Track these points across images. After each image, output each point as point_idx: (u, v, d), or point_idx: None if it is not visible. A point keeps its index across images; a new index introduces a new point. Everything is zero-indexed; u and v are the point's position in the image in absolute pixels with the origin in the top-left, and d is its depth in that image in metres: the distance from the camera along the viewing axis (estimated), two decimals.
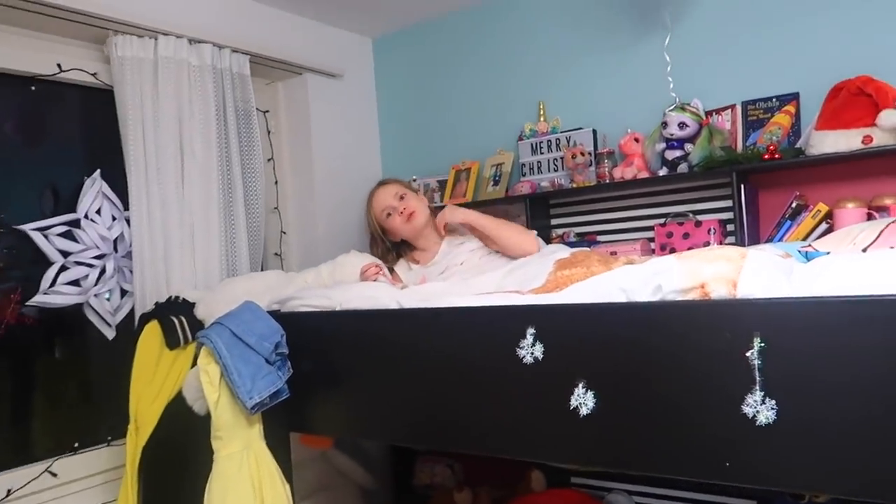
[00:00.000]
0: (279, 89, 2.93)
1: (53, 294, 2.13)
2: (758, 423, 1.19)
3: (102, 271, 2.24)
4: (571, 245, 2.39)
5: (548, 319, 1.44)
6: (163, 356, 2.07)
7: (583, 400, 1.38)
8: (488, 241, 2.14)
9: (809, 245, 1.71)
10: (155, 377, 2.06)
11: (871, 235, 1.58)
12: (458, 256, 2.12)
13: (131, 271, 2.26)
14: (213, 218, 2.35)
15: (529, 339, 1.44)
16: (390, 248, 2.28)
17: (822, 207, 2.05)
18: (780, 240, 2.09)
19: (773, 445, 1.18)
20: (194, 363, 1.97)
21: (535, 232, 2.18)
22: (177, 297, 2.16)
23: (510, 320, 1.48)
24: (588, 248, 2.06)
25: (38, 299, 2.11)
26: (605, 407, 1.35)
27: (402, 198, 2.25)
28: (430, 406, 1.63)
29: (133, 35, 2.22)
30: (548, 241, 2.53)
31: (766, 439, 1.18)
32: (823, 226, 2.05)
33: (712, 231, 2.25)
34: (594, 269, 1.62)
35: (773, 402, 1.17)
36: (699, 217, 2.34)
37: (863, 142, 1.93)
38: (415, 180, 2.95)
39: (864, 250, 1.53)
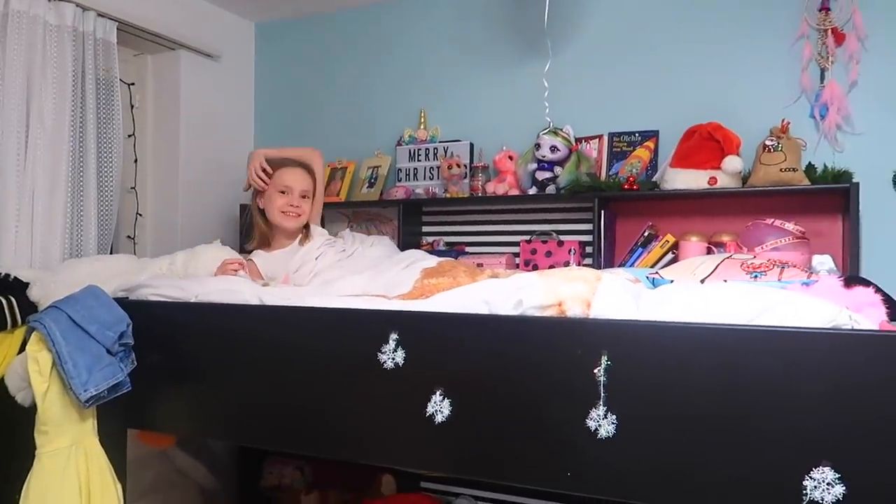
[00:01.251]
0: (148, 62, 2.75)
1: None
2: (599, 436, 1.26)
3: None
4: (440, 254, 2.42)
5: (411, 326, 1.44)
6: None
7: (439, 407, 1.39)
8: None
9: (656, 272, 1.84)
10: None
11: (709, 268, 1.73)
12: (311, 251, 2.05)
13: None
14: (60, 191, 2.15)
15: (392, 343, 1.44)
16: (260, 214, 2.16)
17: (670, 238, 2.22)
18: (632, 265, 2.24)
19: (612, 458, 1.25)
20: (21, 349, 1.80)
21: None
22: (7, 275, 1.96)
23: (374, 324, 1.47)
24: (454, 259, 2.09)
25: None
26: (460, 415, 1.38)
27: (304, 197, 2.12)
28: (285, 407, 1.59)
29: None
30: (418, 247, 2.55)
31: (606, 452, 1.25)
32: (670, 255, 2.22)
33: (573, 251, 2.36)
34: (460, 280, 1.65)
35: (614, 416, 1.25)
36: (562, 237, 2.46)
37: (709, 182, 2.12)
38: None
39: (702, 281, 1.67)
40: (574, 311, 1.32)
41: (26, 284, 1.94)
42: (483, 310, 1.42)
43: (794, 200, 2.15)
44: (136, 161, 2.68)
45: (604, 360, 1.26)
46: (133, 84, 2.68)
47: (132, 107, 2.66)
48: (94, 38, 2.28)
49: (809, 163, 2.13)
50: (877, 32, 2.13)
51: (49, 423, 1.64)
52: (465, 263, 1.92)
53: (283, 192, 2.10)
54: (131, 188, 2.66)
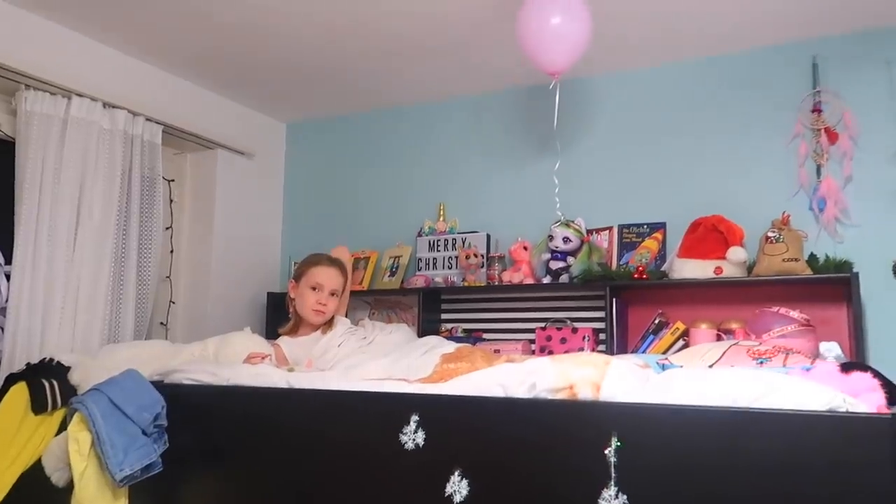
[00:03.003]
0: (187, 160, 2.96)
1: None
2: None
3: None
4: (458, 340, 2.51)
5: (431, 408, 1.52)
6: (25, 421, 1.96)
7: (457, 488, 1.45)
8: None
9: (666, 358, 1.92)
10: (14, 442, 1.93)
11: (717, 355, 1.81)
12: (334, 339, 2.16)
13: (2, 328, 2.15)
14: (102, 282, 2.30)
15: (413, 425, 1.52)
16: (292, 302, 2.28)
17: (680, 326, 2.30)
18: (644, 351, 2.32)
19: None
20: (59, 431, 1.89)
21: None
22: (51, 360, 2.07)
23: (396, 406, 1.55)
24: (472, 345, 2.18)
25: None
26: (478, 495, 1.43)
27: (333, 294, 2.25)
28: (311, 488, 1.65)
29: (46, 91, 2.22)
30: (437, 333, 2.63)
31: None
32: (681, 342, 2.29)
33: (586, 338, 2.45)
34: (477, 365, 1.74)
35: (625, 497, 1.30)
36: (576, 324, 2.54)
37: (714, 272, 2.22)
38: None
39: (711, 367, 1.75)
40: (584, 393, 1.40)
41: (67, 368, 2.05)
42: (499, 393, 1.50)
43: (798, 289, 2.24)
44: (171, 251, 2.84)
45: (613, 441, 1.33)
46: (173, 180, 2.89)
47: (171, 201, 2.85)
48: (141, 140, 2.49)
49: (812, 253, 2.23)
50: (868, 130, 2.27)
51: (84, 501, 1.71)
52: (482, 349, 2.01)
53: (314, 289, 2.22)
54: (166, 277, 2.81)
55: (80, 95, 2.28)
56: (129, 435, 1.72)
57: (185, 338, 2.65)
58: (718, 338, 2.22)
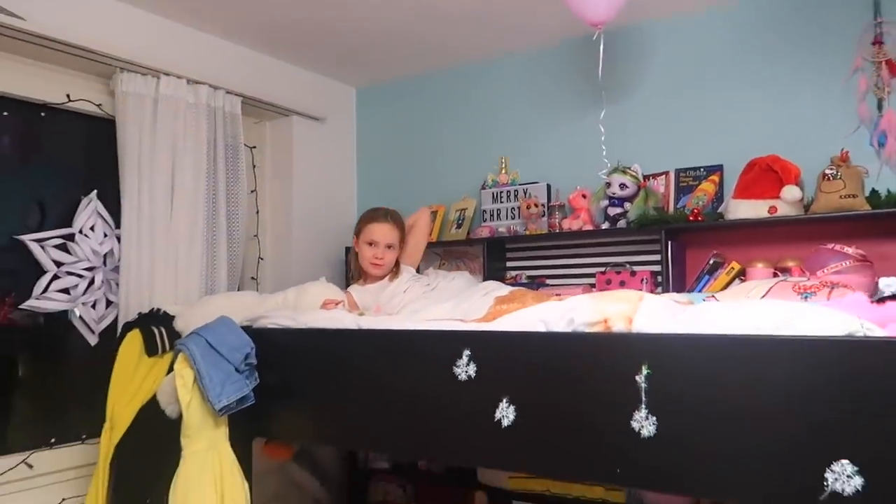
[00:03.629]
0: (266, 128, 3.20)
1: (45, 300, 2.34)
2: (642, 435, 1.44)
3: (91, 282, 2.45)
4: (522, 286, 2.65)
5: (481, 343, 1.68)
6: (141, 363, 2.27)
7: (505, 413, 1.62)
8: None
9: (713, 296, 1.99)
10: (132, 381, 2.25)
11: (762, 290, 1.86)
12: (401, 285, 2.36)
13: (117, 284, 2.47)
14: (197, 241, 2.58)
15: (465, 359, 1.68)
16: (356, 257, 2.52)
17: (736, 265, 2.35)
18: (700, 291, 2.37)
19: (654, 455, 1.43)
20: (169, 371, 2.18)
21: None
22: (158, 310, 2.37)
23: (450, 342, 1.72)
24: (524, 288, 2.31)
25: (31, 304, 2.31)
26: (523, 420, 1.59)
27: (389, 247, 2.44)
28: (378, 416, 1.86)
29: (137, 73, 2.48)
30: (502, 281, 2.77)
31: (649, 449, 1.43)
32: (737, 281, 2.33)
33: (644, 281, 2.53)
34: (527, 305, 1.88)
35: (655, 418, 1.43)
36: (634, 267, 2.62)
37: (769, 211, 2.24)
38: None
39: None
40: (618, 326, 1.52)
41: (172, 317, 2.34)
42: (541, 328, 1.64)
43: (856, 226, 2.22)
44: (257, 212, 3.11)
45: (644, 368, 1.45)
46: (254, 147, 3.13)
47: (254, 167, 3.10)
48: (223, 112, 2.73)
49: (873, 189, 2.20)
50: None
51: (191, 428, 2.00)
52: (534, 292, 2.14)
53: (370, 244, 2.43)
54: (254, 236, 3.08)
55: (167, 74, 2.52)
56: (225, 372, 1.98)
57: (273, 290, 2.89)
58: (774, 276, 2.25)
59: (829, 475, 1.25)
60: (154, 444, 2.15)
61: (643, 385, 1.44)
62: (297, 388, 2.03)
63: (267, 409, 2.05)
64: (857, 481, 1.23)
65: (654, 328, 1.49)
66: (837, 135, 2.32)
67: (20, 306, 2.30)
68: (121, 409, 2.23)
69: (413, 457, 2.36)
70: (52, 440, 2.37)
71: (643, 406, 1.44)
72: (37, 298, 2.33)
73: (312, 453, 2.92)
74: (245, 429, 2.10)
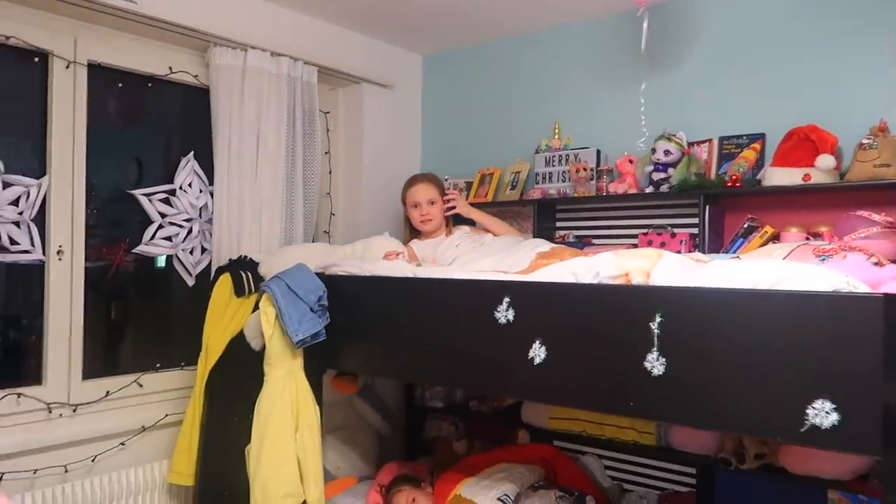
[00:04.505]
0: (339, 94, 3.47)
1: (152, 246, 2.73)
2: (653, 374, 1.66)
3: (189, 231, 2.83)
4: (570, 245, 2.86)
5: (519, 292, 1.93)
6: (231, 302, 2.63)
7: (538, 352, 1.86)
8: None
9: (737, 256, 2.17)
10: (223, 317, 2.62)
11: (784, 253, 2.02)
12: (454, 240, 2.64)
13: (211, 234, 2.83)
14: (278, 197, 2.90)
15: (505, 305, 1.93)
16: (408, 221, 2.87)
17: (769, 229, 2.48)
18: (735, 252, 2.53)
19: (662, 390, 1.65)
20: (254, 310, 2.53)
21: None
22: (245, 257, 2.73)
23: (492, 290, 1.97)
24: (563, 245, 2.52)
25: (141, 248, 2.71)
26: (553, 358, 1.84)
27: (431, 203, 2.77)
28: (430, 353, 2.15)
29: (228, 47, 2.79)
30: (552, 240, 2.99)
31: (658, 386, 1.65)
32: (769, 245, 2.47)
33: (683, 242, 2.69)
34: (564, 259, 2.10)
35: (664, 359, 1.65)
36: (675, 230, 2.79)
37: (803, 179, 2.36)
38: (446, 180, 3.45)
39: None
40: (637, 279, 1.74)
41: (256, 263, 2.68)
42: (571, 279, 1.87)
43: (888, 194, 2.31)
44: (330, 172, 3.41)
45: (657, 316, 1.66)
46: (328, 112, 3.42)
47: (328, 130, 3.39)
48: (301, 81, 3.02)
49: None
50: None
51: (273, 357, 2.34)
52: (572, 249, 2.36)
53: (415, 206, 2.77)
54: (327, 193, 3.38)
55: (253, 48, 2.82)
56: (301, 311, 2.30)
57: (344, 243, 3.18)
58: (806, 240, 2.38)
59: (810, 411, 1.45)
60: (241, 370, 2.52)
61: (656, 331, 1.66)
62: (362, 328, 2.34)
63: (336, 345, 2.37)
64: (834, 417, 1.43)
65: (668, 282, 1.70)
66: (878, 106, 2.40)
67: (133, 250, 2.70)
68: (214, 340, 2.61)
69: (458, 387, 2.74)
70: (158, 365, 2.78)
71: (655, 349, 1.66)
72: (145, 244, 2.72)
73: (375, 390, 3.26)
74: (317, 361, 2.43)
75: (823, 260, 1.91)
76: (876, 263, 1.67)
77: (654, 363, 1.66)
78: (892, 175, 2.25)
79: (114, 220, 2.71)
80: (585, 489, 2.62)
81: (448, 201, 2.77)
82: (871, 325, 1.40)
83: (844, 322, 1.44)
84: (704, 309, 1.62)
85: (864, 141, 2.32)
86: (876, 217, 2.20)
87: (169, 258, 2.81)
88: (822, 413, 1.44)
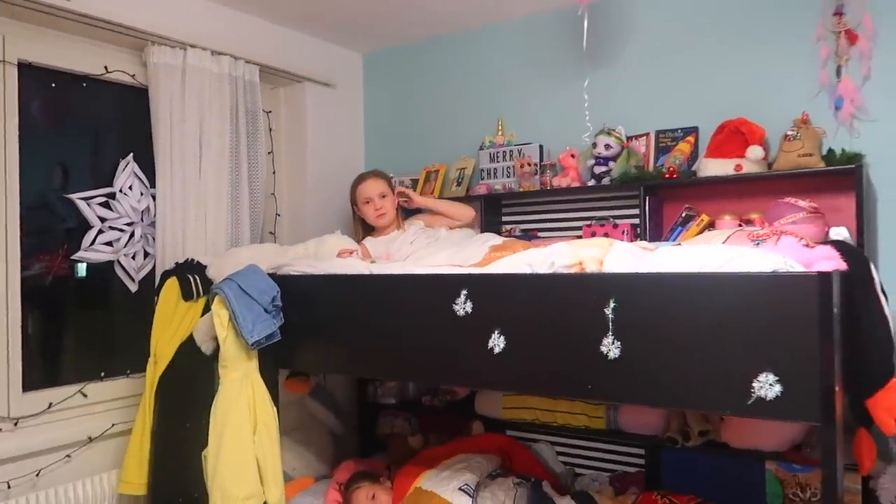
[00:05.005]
0: (281, 94, 3.44)
1: (92, 251, 2.64)
2: (609, 357, 1.74)
3: (131, 235, 2.75)
4: (518, 238, 2.93)
5: (476, 284, 1.98)
6: (178, 306, 2.57)
7: (497, 342, 1.91)
8: (441, 218, 2.78)
9: (679, 243, 2.28)
10: (171, 322, 2.56)
11: (722, 238, 2.14)
12: (408, 237, 2.67)
13: (154, 238, 2.76)
14: (223, 198, 2.86)
15: (462, 297, 1.98)
16: (360, 220, 2.88)
17: (705, 218, 2.62)
18: (674, 240, 2.65)
19: (618, 373, 1.73)
20: (204, 312, 2.49)
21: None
22: (192, 260, 2.67)
23: (450, 284, 2.01)
24: (514, 238, 2.59)
25: (81, 254, 2.62)
26: (512, 347, 1.89)
27: (382, 196, 2.78)
28: (387, 348, 2.16)
29: (166, 46, 2.72)
30: (498, 234, 3.06)
31: (614, 369, 1.73)
32: (707, 232, 2.61)
33: (625, 232, 2.80)
34: (517, 252, 2.16)
35: (619, 343, 1.72)
36: (617, 221, 2.90)
37: (735, 169, 2.50)
38: (392, 177, 3.46)
39: None
40: (591, 268, 1.81)
41: (204, 266, 2.63)
42: (527, 270, 1.93)
43: (812, 182, 2.48)
44: (273, 172, 3.37)
45: (611, 302, 1.74)
46: (270, 112, 3.38)
47: (270, 130, 3.35)
48: (243, 80, 2.98)
49: (830, 148, 2.45)
50: (886, 31, 2.42)
51: (227, 360, 2.31)
52: (524, 242, 2.43)
53: (367, 203, 2.80)
54: (271, 194, 3.35)
55: (192, 47, 2.77)
56: (255, 312, 2.27)
57: (290, 244, 3.19)
58: (739, 227, 2.52)
59: (755, 384, 1.56)
60: (192, 375, 2.47)
61: (610, 316, 1.74)
62: (318, 327, 2.33)
63: (292, 344, 2.36)
64: (777, 388, 1.53)
65: (620, 269, 1.78)
66: (801, 99, 2.57)
67: (72, 257, 2.60)
68: (163, 346, 2.54)
69: (419, 381, 2.77)
70: (102, 374, 2.70)
71: (610, 333, 1.74)
72: (85, 250, 2.63)
73: (326, 390, 3.26)
74: (272, 361, 2.41)
75: (758, 244, 2.03)
76: (806, 245, 1.80)
77: (610, 347, 1.74)
78: (815, 164, 2.42)
79: (50, 226, 2.60)
80: (540, 475, 2.70)
81: (401, 195, 2.82)
82: (807, 302, 1.52)
83: (783, 300, 1.55)
84: (655, 293, 1.71)
85: (789, 132, 2.47)
86: (802, 203, 2.35)
87: (100, 265, 2.72)
88: (767, 385, 1.55)
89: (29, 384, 2.46)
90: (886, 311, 1.92)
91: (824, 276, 1.51)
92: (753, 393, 1.56)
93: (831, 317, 1.48)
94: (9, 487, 2.32)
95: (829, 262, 1.73)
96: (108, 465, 2.59)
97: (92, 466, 2.55)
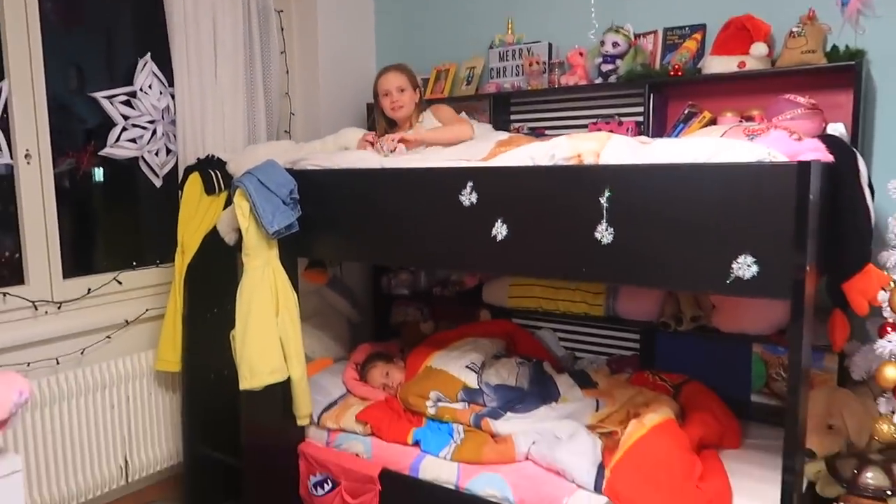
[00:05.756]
0: None
1: (118, 148, 2.77)
2: (602, 243, 1.88)
3: (153, 133, 2.87)
4: (527, 136, 3.01)
5: (481, 176, 2.10)
6: (202, 200, 2.74)
7: (500, 230, 2.06)
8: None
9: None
10: (196, 215, 2.73)
11: (719, 134, 2.23)
12: (421, 131, 2.75)
13: (174, 135, 2.88)
14: (239, 97, 2.95)
15: (468, 189, 2.11)
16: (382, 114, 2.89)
17: (707, 114, 2.68)
18: (676, 137, 2.73)
19: (610, 257, 1.87)
20: (226, 206, 2.64)
21: (466, 118, 2.79)
22: (212, 156, 2.80)
23: (457, 176, 2.14)
24: (520, 134, 2.67)
25: (107, 151, 2.75)
26: (514, 234, 2.04)
27: (402, 90, 2.81)
28: (399, 237, 2.32)
29: None
30: (507, 132, 3.13)
31: (606, 253, 1.87)
32: (707, 128, 2.68)
33: (629, 130, 2.88)
34: (521, 146, 2.27)
35: (612, 229, 1.86)
36: (622, 118, 2.97)
37: (738, 66, 2.55)
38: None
39: None
40: (588, 160, 1.93)
41: (224, 162, 2.77)
42: (529, 163, 2.04)
43: (814, 79, 2.52)
44: (287, 72, 3.43)
45: (606, 191, 1.86)
46: (281, 11, 3.39)
47: (282, 29, 3.38)
48: None
49: (834, 45, 2.48)
50: None
51: (250, 249, 2.47)
52: (529, 137, 2.52)
53: (385, 95, 2.80)
54: (285, 94, 3.43)
55: None
56: (274, 204, 2.42)
57: (306, 141, 3.29)
58: (740, 122, 2.59)
59: (734, 265, 1.70)
60: (217, 265, 2.66)
61: (605, 205, 1.87)
62: (332, 218, 2.48)
63: (309, 235, 2.51)
64: (754, 269, 1.68)
65: (616, 160, 1.89)
66: None
67: (99, 153, 2.74)
68: (189, 237, 2.73)
69: (428, 267, 2.97)
70: (134, 263, 2.89)
71: (604, 221, 1.88)
72: (111, 147, 2.76)
73: (343, 281, 3.45)
74: (291, 250, 2.58)
75: (752, 139, 2.13)
76: (797, 139, 1.89)
77: (604, 233, 1.88)
78: (817, 60, 2.45)
79: (74, 125, 2.73)
80: (542, 357, 2.91)
81: (394, 141, 2.58)
82: (786, 190, 1.63)
83: (764, 188, 1.67)
84: (647, 183, 1.83)
85: (794, 29, 2.49)
86: (801, 100, 2.41)
87: (125, 163, 2.85)
88: (745, 266, 1.69)
89: (68, 272, 2.65)
90: (869, 202, 2.04)
91: (803, 166, 1.62)
92: (732, 273, 1.71)
93: (807, 204, 1.60)
94: (57, 363, 2.56)
95: (815, 153, 1.83)
96: (145, 345, 2.83)
97: (130, 346, 2.79)
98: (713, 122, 2.71)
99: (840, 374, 2.44)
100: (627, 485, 2.00)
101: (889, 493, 1.85)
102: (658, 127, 2.81)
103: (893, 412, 1.91)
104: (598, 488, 2.08)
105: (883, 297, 1.94)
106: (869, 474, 1.92)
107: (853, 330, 2.23)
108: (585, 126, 3.06)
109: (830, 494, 1.96)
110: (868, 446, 2.07)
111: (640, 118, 2.88)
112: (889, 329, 1.94)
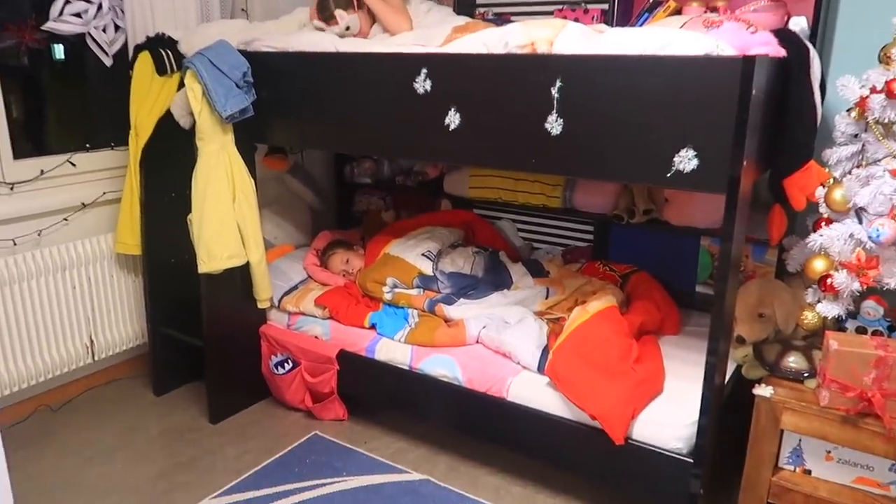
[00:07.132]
0: None
1: (62, 22, 2.65)
2: (552, 134, 1.89)
3: (99, 7, 2.73)
4: (489, 21, 2.93)
5: (435, 63, 2.07)
6: (154, 80, 2.65)
7: (453, 119, 2.06)
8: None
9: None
10: (148, 96, 2.66)
11: (678, 25, 2.19)
12: None
13: (122, 10, 2.75)
14: None
15: (422, 76, 2.08)
16: None
17: (672, 4, 2.60)
18: (640, 26, 2.68)
19: (559, 147, 1.89)
20: (179, 87, 2.57)
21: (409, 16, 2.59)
22: (163, 35, 2.69)
23: (411, 63, 2.10)
24: (481, 21, 2.60)
25: (50, 25, 2.63)
26: (467, 124, 2.04)
27: None
28: (354, 123, 2.30)
29: None
30: (472, 17, 3.04)
31: (556, 144, 1.89)
32: (670, 18, 2.63)
33: (594, 18, 2.81)
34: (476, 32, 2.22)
35: (562, 120, 1.87)
36: (588, 6, 2.89)
37: None
38: None
39: None
40: (542, 48, 1.90)
41: (175, 41, 2.66)
42: (482, 50, 2.01)
43: None
44: None
45: (558, 82, 1.85)
46: None
47: None
48: None
49: None
50: None
51: (204, 133, 2.44)
52: (487, 23, 2.45)
53: None
54: None
55: None
56: (226, 87, 2.37)
57: (263, 20, 3.16)
58: (705, 12, 2.54)
59: (676, 158, 1.73)
60: (173, 148, 2.62)
61: (556, 95, 1.87)
62: (288, 103, 2.44)
63: (265, 120, 2.48)
64: (694, 162, 1.71)
65: (569, 50, 1.87)
66: None
67: (41, 27, 2.62)
68: (142, 119, 2.67)
69: (382, 154, 2.98)
70: (87, 145, 2.84)
71: (554, 112, 1.88)
72: (54, 20, 2.63)
73: (305, 169, 3.44)
74: (247, 135, 2.55)
75: (709, 30, 2.10)
76: (753, 31, 1.87)
77: (553, 124, 1.89)
78: None
79: None
80: (500, 247, 2.98)
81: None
82: (729, 84, 1.64)
83: (707, 82, 1.67)
84: (597, 75, 1.82)
85: None
86: None
87: (73, 40, 2.73)
88: (686, 159, 1.73)
89: (19, 152, 2.60)
90: (817, 99, 2.06)
91: (748, 61, 1.61)
92: (674, 166, 1.74)
93: (749, 99, 1.61)
94: (14, 245, 2.57)
95: (765, 48, 1.82)
96: (105, 228, 2.84)
97: (89, 229, 2.79)
98: (678, 11, 2.64)
99: (779, 267, 2.55)
100: (566, 366, 2.12)
101: (806, 374, 1.98)
102: (623, 16, 2.74)
103: (819, 302, 2.02)
104: (540, 369, 2.21)
105: (820, 193, 2.00)
106: (791, 358, 2.05)
107: (794, 226, 2.31)
108: (551, 13, 2.98)
109: (754, 376, 2.10)
110: (794, 334, 2.20)
111: (606, 5, 2.81)
112: (823, 224, 2.01)
